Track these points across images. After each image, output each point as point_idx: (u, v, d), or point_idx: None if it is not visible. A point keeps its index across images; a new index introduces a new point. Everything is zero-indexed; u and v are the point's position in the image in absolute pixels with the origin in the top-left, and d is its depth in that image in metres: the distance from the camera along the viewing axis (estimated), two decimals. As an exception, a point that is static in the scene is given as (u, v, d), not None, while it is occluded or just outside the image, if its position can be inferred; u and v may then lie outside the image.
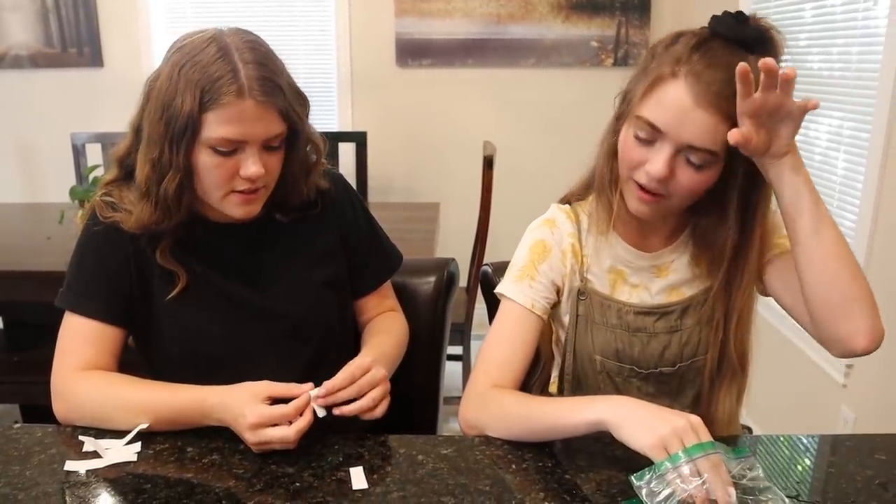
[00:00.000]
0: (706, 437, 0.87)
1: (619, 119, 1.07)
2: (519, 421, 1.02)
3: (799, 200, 0.99)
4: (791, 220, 1.00)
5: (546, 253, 1.16)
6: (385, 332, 1.27)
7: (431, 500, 0.90)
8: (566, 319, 1.18)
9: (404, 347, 1.27)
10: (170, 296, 1.13)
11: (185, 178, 1.06)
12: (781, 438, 1.05)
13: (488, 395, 1.07)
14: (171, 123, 1.03)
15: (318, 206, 1.22)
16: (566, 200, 1.21)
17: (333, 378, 1.02)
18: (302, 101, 1.12)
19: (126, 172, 1.14)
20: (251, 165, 1.05)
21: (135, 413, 1.04)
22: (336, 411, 1.02)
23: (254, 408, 0.98)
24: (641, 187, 1.04)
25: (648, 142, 1.01)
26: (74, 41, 3.48)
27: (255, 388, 1.01)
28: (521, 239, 1.20)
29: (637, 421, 0.89)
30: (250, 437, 0.98)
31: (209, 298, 1.15)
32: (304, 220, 1.21)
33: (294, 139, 1.12)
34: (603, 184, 1.12)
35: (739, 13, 1.01)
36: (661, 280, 1.16)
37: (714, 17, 1.02)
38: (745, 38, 0.99)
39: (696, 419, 0.88)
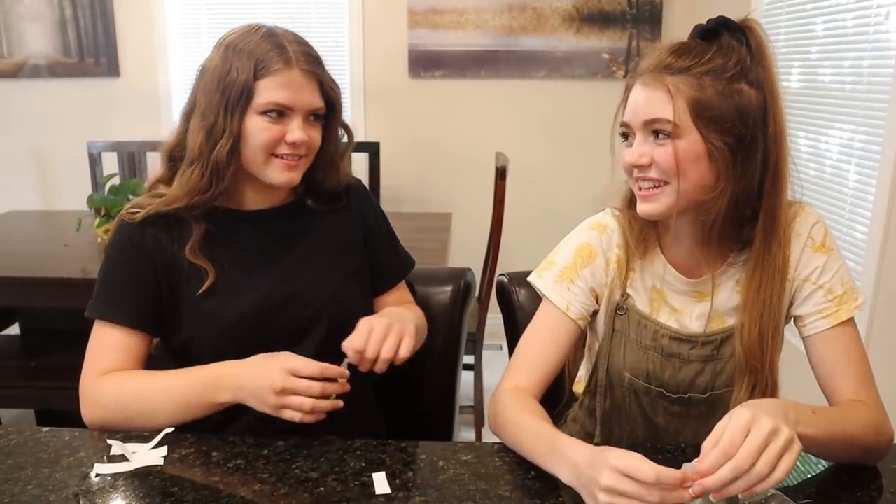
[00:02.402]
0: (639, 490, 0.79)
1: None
2: (513, 442, 1.03)
3: None
4: None
5: (591, 258, 1.14)
6: (400, 309, 1.30)
7: (453, 504, 0.92)
8: (601, 331, 1.17)
9: (424, 332, 1.29)
10: (200, 291, 1.17)
11: (236, 144, 1.14)
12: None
13: (503, 404, 1.07)
14: (226, 91, 1.13)
15: (343, 200, 1.30)
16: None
17: (351, 339, 1.08)
18: (336, 85, 1.22)
19: (173, 170, 1.20)
20: (296, 130, 1.14)
21: (152, 393, 1.11)
22: (363, 368, 1.08)
23: (284, 377, 1.03)
24: (639, 186, 1.05)
25: (629, 139, 1.06)
26: (92, 51, 3.54)
27: (285, 361, 1.06)
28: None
29: (583, 492, 0.87)
30: (273, 401, 1.04)
31: (237, 289, 1.19)
32: (330, 213, 1.28)
33: (332, 118, 1.22)
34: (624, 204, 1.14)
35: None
36: (702, 304, 1.12)
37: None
38: (703, 31, 1.04)
39: (612, 476, 0.81)
